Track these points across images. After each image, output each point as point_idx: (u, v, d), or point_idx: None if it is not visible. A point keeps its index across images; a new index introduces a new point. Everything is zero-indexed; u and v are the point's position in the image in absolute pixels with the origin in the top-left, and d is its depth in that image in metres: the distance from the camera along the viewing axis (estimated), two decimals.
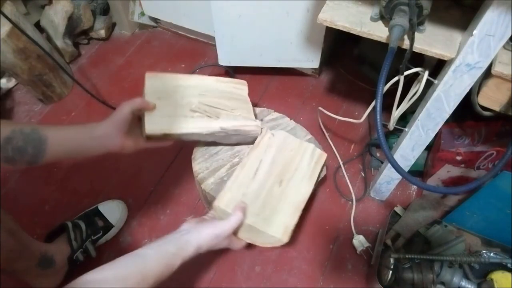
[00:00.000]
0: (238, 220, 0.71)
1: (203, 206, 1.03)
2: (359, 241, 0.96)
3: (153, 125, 0.78)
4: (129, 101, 0.74)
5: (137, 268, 0.57)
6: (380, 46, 0.68)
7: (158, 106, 0.80)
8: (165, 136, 0.79)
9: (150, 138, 0.78)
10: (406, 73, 0.69)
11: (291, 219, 0.76)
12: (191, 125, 0.81)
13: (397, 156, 0.85)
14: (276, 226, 0.75)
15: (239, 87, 0.94)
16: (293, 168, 0.84)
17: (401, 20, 0.59)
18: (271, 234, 0.74)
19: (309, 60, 1.18)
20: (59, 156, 0.64)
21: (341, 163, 1.11)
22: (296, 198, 0.79)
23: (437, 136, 0.93)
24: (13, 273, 0.77)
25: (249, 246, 0.96)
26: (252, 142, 0.89)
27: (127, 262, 0.57)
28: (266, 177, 0.82)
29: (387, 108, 0.71)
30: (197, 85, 0.90)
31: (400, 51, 0.63)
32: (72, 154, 0.67)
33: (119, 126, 0.71)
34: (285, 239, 0.73)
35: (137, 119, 0.79)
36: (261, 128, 0.90)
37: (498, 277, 0.84)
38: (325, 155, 0.87)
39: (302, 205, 0.78)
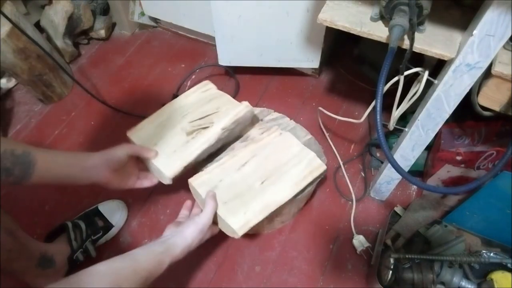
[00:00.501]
0: (212, 209, 0.75)
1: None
2: (359, 241, 0.96)
3: (170, 169, 0.80)
4: (129, 146, 0.77)
5: (128, 263, 0.61)
6: (380, 46, 0.68)
7: (158, 151, 0.83)
8: (185, 169, 0.82)
9: (174, 178, 0.82)
10: (406, 73, 0.69)
11: (255, 217, 0.76)
12: (198, 145, 0.83)
13: (397, 156, 0.85)
14: (237, 219, 0.75)
15: (206, 88, 0.96)
16: (284, 170, 0.83)
17: (401, 20, 0.59)
18: (228, 223, 0.75)
19: (309, 60, 1.18)
20: (44, 181, 0.64)
21: (341, 163, 1.11)
22: (271, 199, 0.79)
23: (437, 136, 0.93)
24: (13, 273, 0.77)
25: (249, 245, 0.97)
26: (253, 122, 0.92)
27: (118, 258, 0.61)
28: (252, 172, 0.82)
29: (387, 108, 0.71)
30: (174, 111, 0.91)
31: (400, 51, 0.63)
32: (58, 181, 0.67)
33: (111, 163, 0.73)
34: (240, 232, 0.74)
35: (132, 160, 0.81)
36: (274, 127, 0.92)
37: (498, 277, 0.84)
38: (323, 167, 0.85)
39: (273, 207, 0.78)
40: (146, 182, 0.84)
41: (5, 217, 0.70)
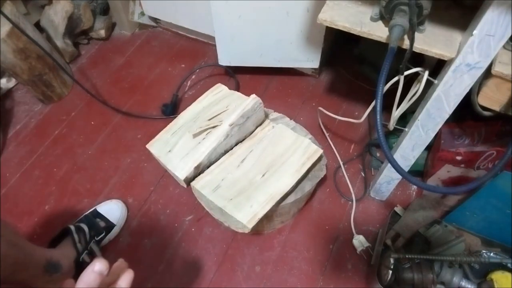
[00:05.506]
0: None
1: (202, 206, 1.03)
2: (359, 241, 0.96)
3: (181, 171, 0.81)
4: None
5: None
6: (380, 46, 0.68)
7: (172, 157, 0.84)
8: (197, 170, 0.83)
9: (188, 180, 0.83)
10: (406, 73, 0.69)
11: (262, 208, 0.77)
12: (208, 144, 0.84)
13: (397, 156, 0.85)
14: (244, 213, 0.77)
15: (218, 90, 0.97)
16: (282, 161, 0.85)
17: (401, 20, 0.59)
18: (237, 219, 0.76)
19: (309, 60, 1.18)
20: None
21: (341, 163, 1.11)
22: (274, 189, 0.80)
23: (437, 136, 0.93)
24: (20, 283, 0.75)
25: (249, 245, 0.97)
26: (265, 116, 0.93)
27: None
28: (252, 166, 0.84)
29: (387, 108, 0.71)
30: (187, 119, 0.92)
31: (400, 51, 0.63)
32: None
33: None
34: (250, 225, 0.75)
35: None
36: (266, 120, 0.93)
37: (498, 277, 0.84)
38: (319, 151, 0.87)
39: (277, 196, 0.79)
40: None
41: (6, 229, 0.68)
